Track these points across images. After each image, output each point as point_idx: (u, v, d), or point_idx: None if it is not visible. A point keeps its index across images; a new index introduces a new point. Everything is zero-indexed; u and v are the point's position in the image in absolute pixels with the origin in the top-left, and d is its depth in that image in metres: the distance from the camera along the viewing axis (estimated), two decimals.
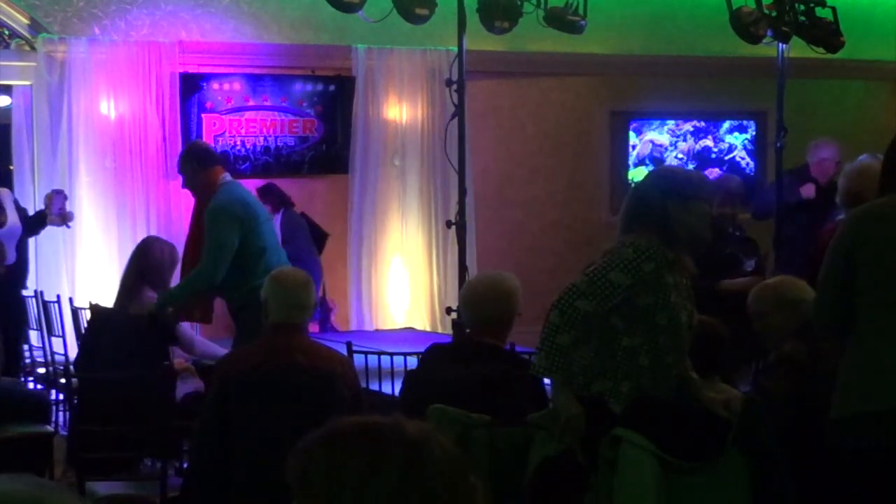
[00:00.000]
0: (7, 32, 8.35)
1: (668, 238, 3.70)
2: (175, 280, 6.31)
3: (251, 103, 8.82)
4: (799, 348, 4.09)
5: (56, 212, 7.46)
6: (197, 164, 6.05)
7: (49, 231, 8.12)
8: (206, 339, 6.58)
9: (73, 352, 6.75)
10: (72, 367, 5.98)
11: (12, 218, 7.38)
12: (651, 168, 9.94)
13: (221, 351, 6.16)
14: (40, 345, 7.51)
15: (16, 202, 7.62)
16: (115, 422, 5.19)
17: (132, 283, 6.12)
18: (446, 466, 1.51)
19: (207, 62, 8.81)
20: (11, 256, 7.36)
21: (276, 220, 8.16)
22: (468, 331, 4.30)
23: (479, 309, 4.17)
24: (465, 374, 4.00)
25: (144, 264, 6.13)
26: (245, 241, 5.88)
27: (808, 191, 7.68)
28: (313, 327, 7.80)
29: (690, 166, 10.16)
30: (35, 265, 8.13)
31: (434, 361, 4.23)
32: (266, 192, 8.34)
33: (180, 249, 6.38)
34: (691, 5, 9.91)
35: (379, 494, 1.47)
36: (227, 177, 6.11)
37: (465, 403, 3.80)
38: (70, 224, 7.67)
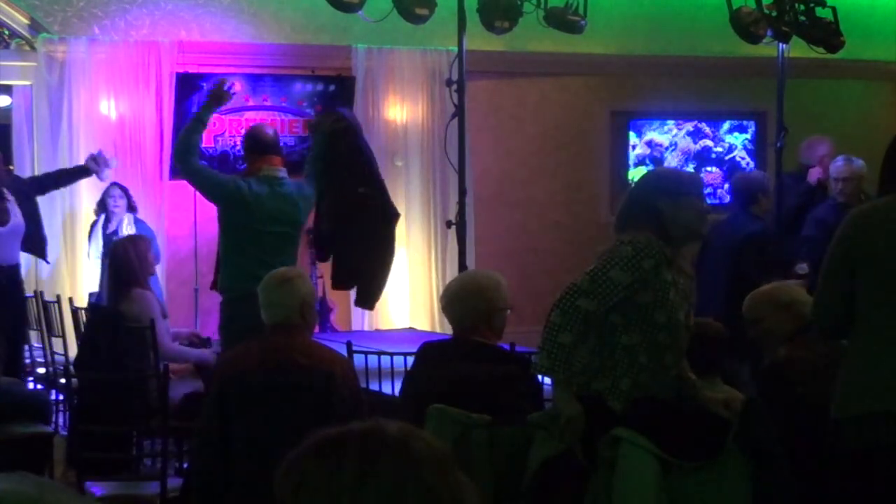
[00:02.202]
0: (7, 32, 8.36)
1: (664, 235, 3.72)
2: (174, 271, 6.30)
3: (251, 103, 8.81)
4: (794, 352, 4.10)
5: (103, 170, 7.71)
6: (246, 149, 5.95)
7: (49, 231, 8.12)
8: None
9: (73, 352, 6.75)
10: (72, 368, 5.99)
11: (16, 216, 7.37)
12: (650, 168, 9.94)
13: (191, 353, 6.21)
14: (40, 345, 7.51)
15: (24, 191, 7.57)
16: (115, 422, 5.20)
17: (117, 289, 6.18)
18: (435, 459, 1.52)
19: (207, 62, 8.80)
20: (15, 256, 7.36)
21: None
22: (454, 331, 4.30)
23: (454, 308, 4.21)
24: (463, 374, 4.01)
25: (117, 269, 6.18)
26: (226, 232, 5.74)
27: (814, 175, 7.72)
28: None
29: (690, 166, 10.17)
30: (35, 265, 8.14)
31: (429, 360, 4.24)
32: (125, 190, 8.13)
33: (176, 248, 6.38)
34: (691, 5, 9.91)
35: (378, 496, 1.48)
36: (275, 171, 5.72)
37: (464, 403, 3.80)
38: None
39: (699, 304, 6.79)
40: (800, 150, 7.97)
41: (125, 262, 6.16)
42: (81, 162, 8.28)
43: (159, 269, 7.79)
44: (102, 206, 8.13)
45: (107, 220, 8.09)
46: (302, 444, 1.58)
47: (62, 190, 8.34)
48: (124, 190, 8.12)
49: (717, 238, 6.76)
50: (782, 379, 4.06)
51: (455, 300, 4.21)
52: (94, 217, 8.27)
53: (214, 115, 8.60)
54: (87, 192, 8.38)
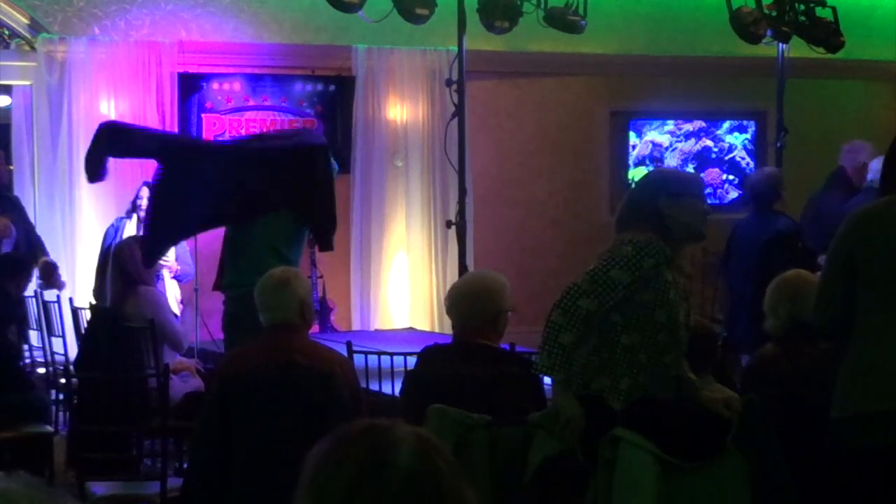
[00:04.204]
0: (7, 32, 8.36)
1: (665, 235, 3.72)
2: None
3: (251, 103, 8.82)
4: (777, 351, 4.12)
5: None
6: None
7: (49, 231, 8.13)
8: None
9: (73, 352, 6.75)
10: (72, 368, 5.99)
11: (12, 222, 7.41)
12: (651, 168, 9.95)
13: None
14: (40, 345, 7.52)
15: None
16: (115, 422, 5.20)
17: (124, 288, 6.18)
18: (452, 469, 1.52)
19: (207, 62, 8.81)
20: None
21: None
22: (457, 332, 4.29)
23: (459, 309, 4.19)
24: (464, 375, 4.01)
25: (124, 270, 6.19)
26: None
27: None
28: (313, 328, 7.75)
29: (690, 167, 10.17)
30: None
31: (431, 362, 4.24)
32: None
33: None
34: (691, 5, 9.91)
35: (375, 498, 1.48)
36: None
37: (464, 404, 3.80)
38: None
39: (730, 308, 6.78)
40: (843, 154, 7.59)
41: (131, 261, 6.17)
42: (80, 163, 8.28)
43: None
44: (134, 208, 7.58)
45: (138, 224, 7.49)
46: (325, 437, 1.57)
47: (61, 189, 8.35)
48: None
49: (744, 239, 6.68)
50: (762, 377, 4.07)
51: (461, 301, 4.19)
52: (113, 217, 7.93)
53: (215, 115, 8.67)
54: (86, 191, 8.37)
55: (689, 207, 3.77)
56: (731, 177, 10.56)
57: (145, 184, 7.70)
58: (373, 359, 5.17)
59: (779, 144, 8.16)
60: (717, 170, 10.47)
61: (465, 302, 4.18)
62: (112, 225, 7.79)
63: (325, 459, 1.52)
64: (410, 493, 1.48)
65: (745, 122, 10.56)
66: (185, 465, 5.22)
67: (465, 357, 4.09)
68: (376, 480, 1.48)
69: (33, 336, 7.66)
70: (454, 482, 1.51)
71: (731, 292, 6.94)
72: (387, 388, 5.06)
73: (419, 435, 1.54)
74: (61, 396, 6.92)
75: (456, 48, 6.72)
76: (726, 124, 10.53)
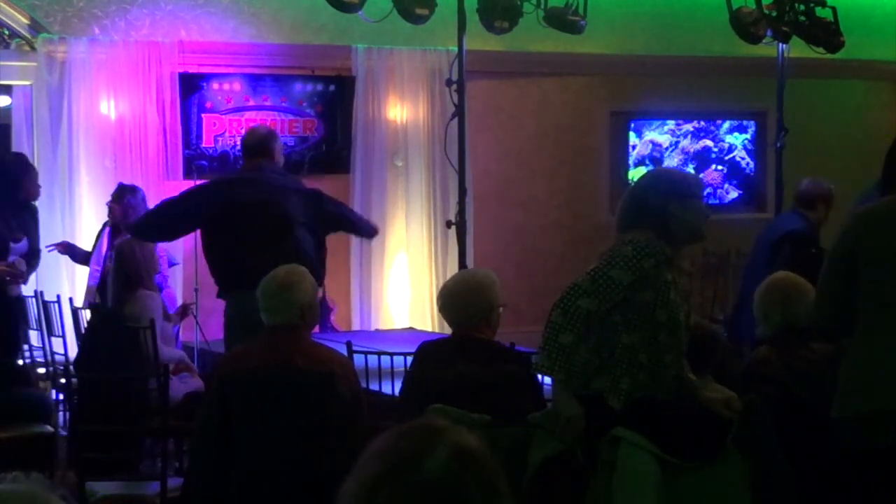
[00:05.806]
0: (7, 32, 8.35)
1: (666, 235, 3.73)
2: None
3: (251, 103, 8.82)
4: (770, 353, 4.13)
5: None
6: (241, 153, 5.91)
7: (49, 231, 8.11)
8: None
9: (73, 352, 6.75)
10: (72, 368, 5.99)
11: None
12: (650, 168, 9.94)
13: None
14: (40, 345, 7.51)
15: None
16: (115, 422, 5.20)
17: (122, 290, 6.19)
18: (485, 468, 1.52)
19: (207, 62, 8.81)
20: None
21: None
22: (452, 331, 4.30)
23: (451, 307, 4.21)
24: (464, 373, 4.01)
25: (125, 270, 6.19)
26: (209, 235, 5.77)
27: None
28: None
29: (690, 167, 10.17)
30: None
31: (428, 359, 4.25)
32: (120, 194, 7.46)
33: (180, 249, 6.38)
34: (691, 5, 9.91)
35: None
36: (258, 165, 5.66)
37: (464, 403, 3.80)
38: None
39: (735, 302, 6.80)
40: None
41: (132, 262, 6.17)
42: (81, 163, 8.30)
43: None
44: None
45: (115, 229, 7.42)
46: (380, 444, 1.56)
47: (61, 189, 8.34)
48: (120, 194, 7.43)
49: (764, 234, 6.79)
50: (758, 378, 4.08)
51: (455, 299, 4.21)
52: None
53: (215, 115, 8.67)
54: (87, 191, 8.37)
55: (695, 210, 3.80)
56: (723, 168, 10.55)
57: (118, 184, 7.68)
58: (373, 359, 5.17)
59: (779, 144, 8.16)
60: (717, 170, 10.48)
61: (459, 299, 4.20)
62: (99, 234, 7.73)
63: (374, 447, 1.52)
64: (429, 501, 1.46)
65: (745, 122, 10.57)
66: (186, 466, 5.23)
67: (462, 352, 4.10)
68: (400, 481, 1.47)
69: (33, 336, 7.66)
70: (483, 502, 1.49)
71: (742, 286, 6.96)
72: (387, 388, 5.06)
73: (462, 446, 1.51)
74: (61, 396, 6.92)
75: (456, 48, 6.72)
76: (726, 124, 10.53)
